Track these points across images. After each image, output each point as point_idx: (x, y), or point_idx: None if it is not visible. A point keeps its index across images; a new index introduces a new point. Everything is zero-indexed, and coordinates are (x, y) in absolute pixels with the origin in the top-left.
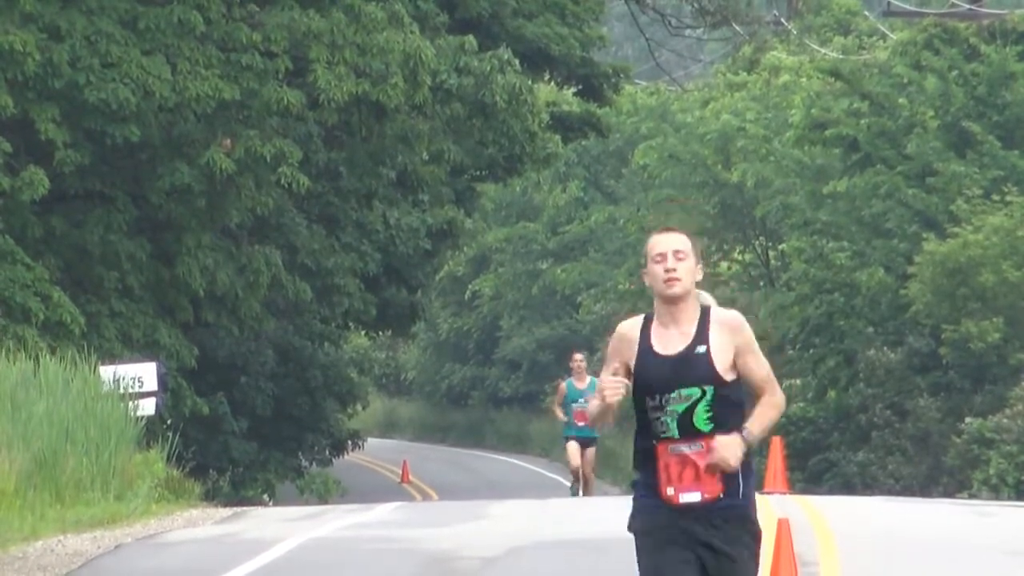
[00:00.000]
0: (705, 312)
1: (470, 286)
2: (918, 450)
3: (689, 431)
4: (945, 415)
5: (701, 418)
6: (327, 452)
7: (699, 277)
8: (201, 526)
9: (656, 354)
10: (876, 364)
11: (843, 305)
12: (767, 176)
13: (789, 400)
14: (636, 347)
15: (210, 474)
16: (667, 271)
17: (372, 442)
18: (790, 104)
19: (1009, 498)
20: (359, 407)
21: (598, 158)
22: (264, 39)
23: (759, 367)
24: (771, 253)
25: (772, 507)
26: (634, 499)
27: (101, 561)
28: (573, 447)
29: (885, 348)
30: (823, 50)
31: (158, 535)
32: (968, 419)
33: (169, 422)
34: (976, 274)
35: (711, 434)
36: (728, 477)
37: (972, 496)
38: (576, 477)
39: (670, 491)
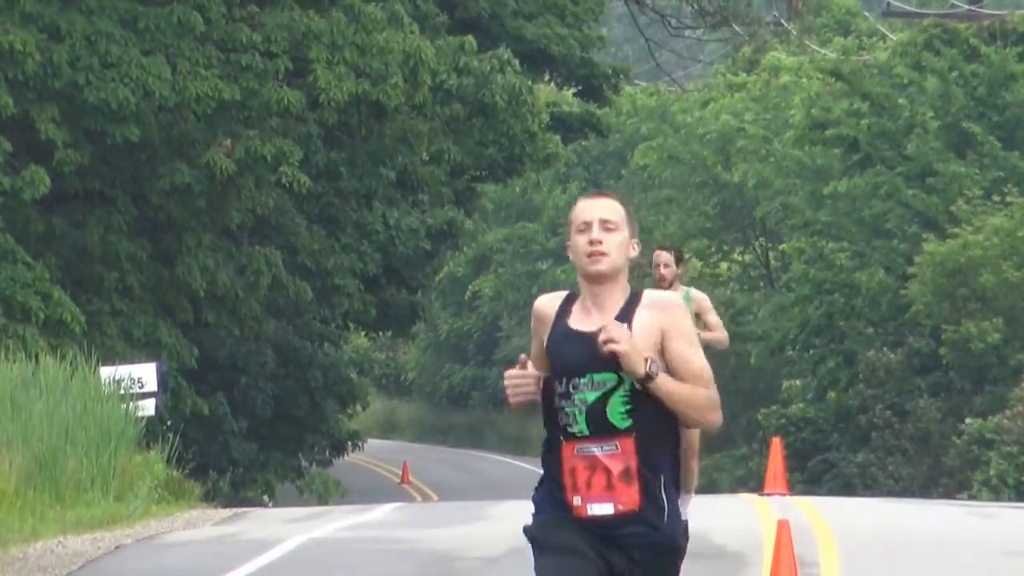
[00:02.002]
0: (636, 294)
1: (470, 287)
2: (918, 451)
3: (601, 427)
4: (945, 416)
5: (616, 411)
6: (327, 453)
7: (634, 253)
8: (201, 527)
9: (569, 328)
10: (876, 365)
11: (843, 306)
12: (767, 177)
13: (789, 401)
14: (551, 322)
15: (210, 475)
16: (591, 243)
17: (372, 443)
18: (790, 105)
19: (1009, 499)
20: (359, 408)
21: (598, 159)
22: (264, 39)
23: (693, 357)
24: (771, 254)
25: (772, 508)
26: (534, 500)
27: (101, 562)
28: None
29: (885, 349)
30: (823, 51)
31: (158, 536)
32: (968, 420)
33: (169, 423)
34: (976, 275)
35: (629, 433)
36: (649, 485)
37: (972, 497)
38: None
39: (576, 501)
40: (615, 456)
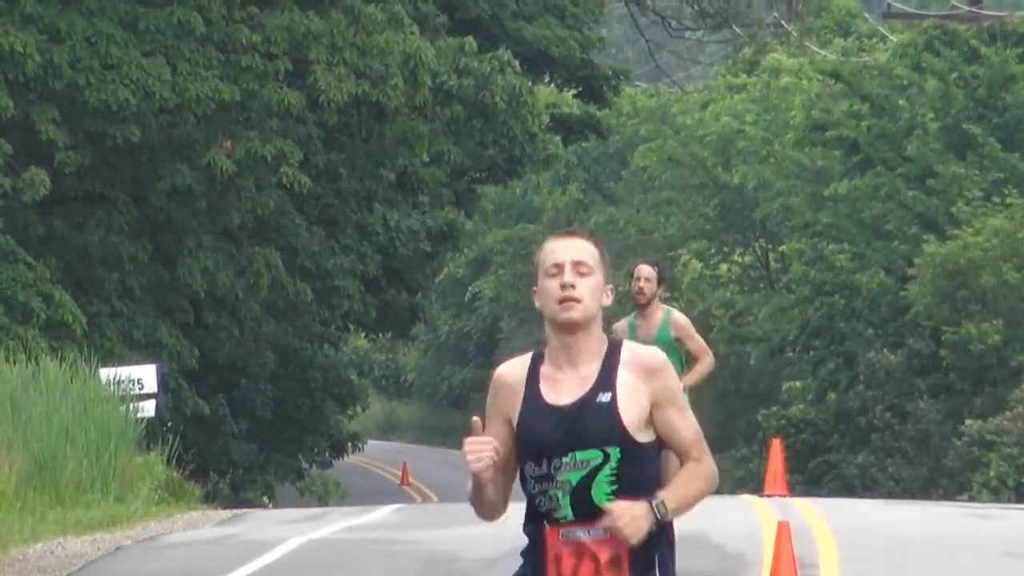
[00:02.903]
0: (614, 348)
1: (470, 288)
2: (918, 452)
3: (587, 510)
4: (945, 417)
5: (603, 492)
6: (327, 454)
7: (607, 302)
8: (201, 528)
9: (544, 404)
10: (876, 366)
11: (843, 307)
12: (767, 178)
13: (789, 402)
14: (520, 396)
15: (210, 476)
16: (563, 287)
17: (372, 444)
18: (790, 106)
19: (1009, 500)
20: (359, 409)
21: (598, 160)
22: (264, 40)
23: (685, 426)
24: (771, 255)
25: (772, 509)
26: None
27: (101, 563)
28: None
29: (885, 350)
30: (823, 52)
31: (158, 537)
32: (968, 421)
33: (169, 424)
34: (976, 276)
35: None
36: (641, 574)
37: (972, 498)
38: None
39: None
40: (603, 542)
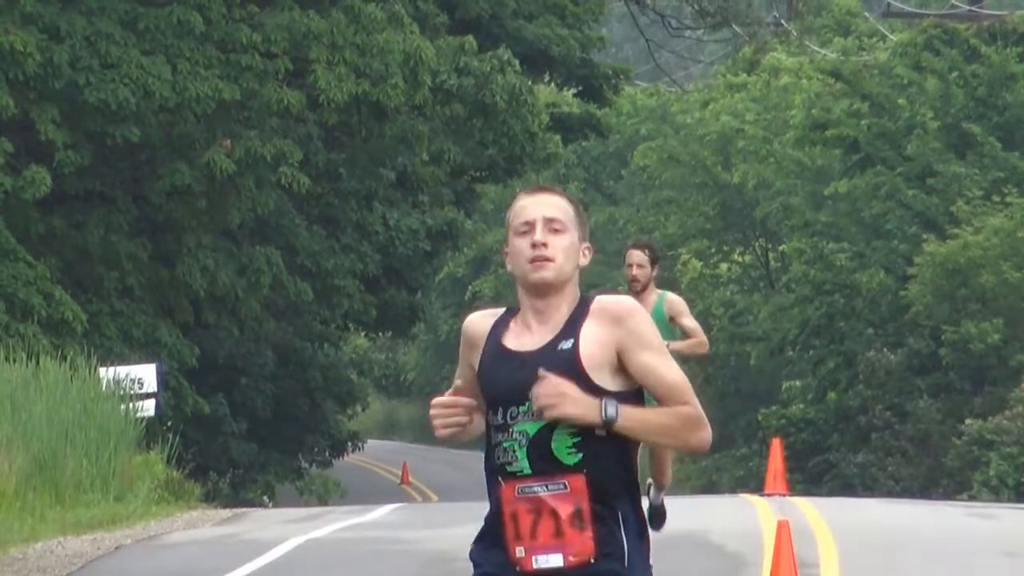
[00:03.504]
0: (584, 302)
1: (470, 287)
2: (918, 451)
3: (546, 464)
4: (945, 416)
5: (563, 445)
6: (327, 453)
7: (583, 263)
8: (201, 528)
9: (504, 350)
10: (876, 365)
11: (843, 306)
12: (767, 177)
13: (789, 401)
14: (483, 343)
15: (210, 475)
16: (534, 246)
17: (372, 443)
18: (790, 105)
19: (1009, 500)
20: (359, 408)
21: (598, 159)
22: (264, 40)
23: (666, 368)
24: (771, 254)
25: (772, 508)
26: (472, 557)
27: (101, 562)
28: None
29: (885, 349)
30: (823, 51)
31: (158, 536)
32: (968, 420)
33: (169, 424)
34: (976, 275)
35: (579, 470)
36: (606, 530)
37: (972, 498)
38: None
39: (520, 552)
40: (563, 497)
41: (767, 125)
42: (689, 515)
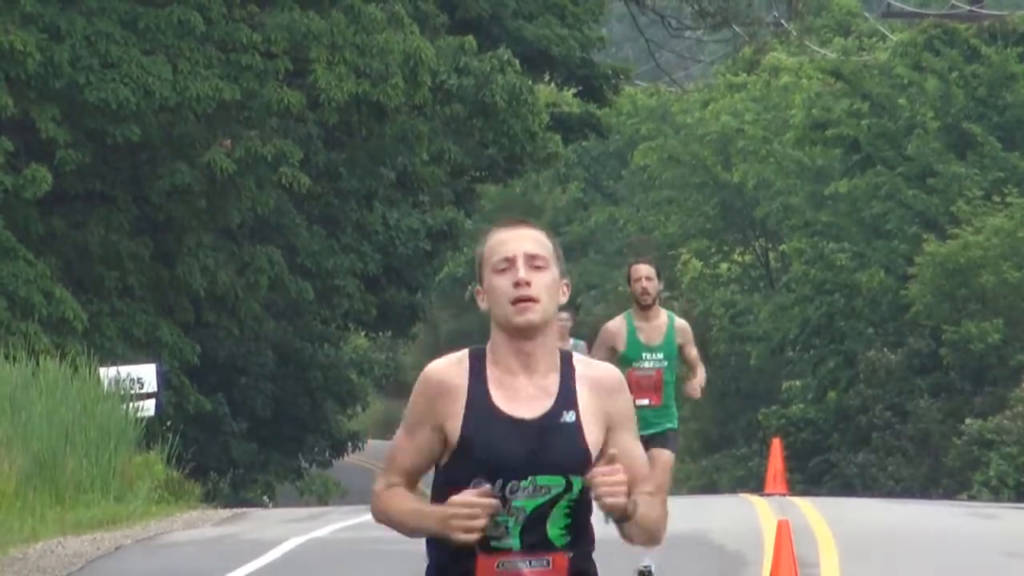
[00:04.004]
0: (566, 359)
1: (470, 287)
2: (918, 451)
3: (537, 543)
4: (945, 416)
5: (557, 524)
6: (327, 453)
7: (563, 301)
8: (201, 527)
9: (500, 414)
10: (876, 365)
11: (843, 306)
12: (767, 177)
13: (789, 401)
14: (463, 401)
15: (210, 475)
16: (517, 285)
17: (372, 443)
18: (790, 105)
19: (1009, 499)
20: (359, 408)
21: (598, 159)
22: (264, 39)
23: (640, 454)
24: (771, 254)
25: (772, 508)
26: None
27: (101, 562)
28: None
29: (885, 349)
30: (823, 51)
31: (158, 536)
32: (968, 420)
33: (169, 423)
34: (976, 275)
35: (566, 550)
36: None
37: (972, 497)
38: None
39: None
40: (545, 574)
41: (767, 125)
42: (689, 515)
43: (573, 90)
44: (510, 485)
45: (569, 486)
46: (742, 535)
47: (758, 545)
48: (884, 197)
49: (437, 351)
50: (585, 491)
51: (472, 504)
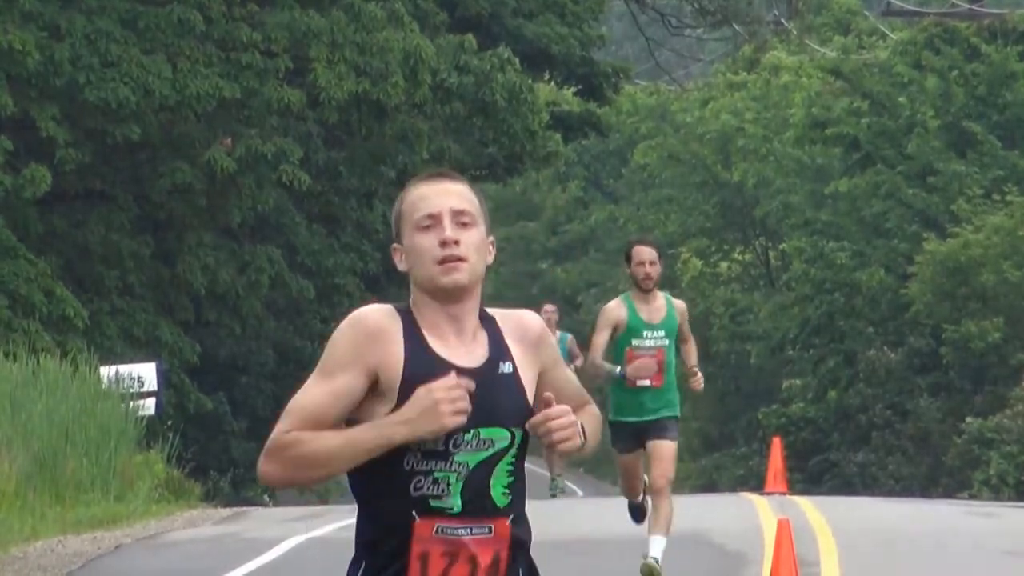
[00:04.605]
0: (487, 316)
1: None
2: (918, 450)
3: (477, 504)
4: (945, 415)
5: (500, 483)
6: None
7: (490, 260)
8: (201, 526)
9: (441, 360)
10: (876, 364)
11: (843, 305)
12: (767, 176)
13: (789, 400)
14: (401, 345)
15: (210, 474)
16: (444, 244)
17: None
18: (790, 104)
19: (1009, 498)
20: None
21: (598, 157)
22: (264, 38)
23: (573, 376)
24: (771, 253)
25: (772, 507)
26: None
27: (101, 561)
28: None
29: (885, 348)
30: (823, 50)
31: (158, 535)
32: (968, 419)
33: (170, 423)
34: (976, 274)
35: (506, 513)
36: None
37: (972, 496)
38: (550, 462)
39: None
40: (486, 542)
41: (767, 124)
42: (689, 514)
43: (573, 89)
44: (455, 437)
45: (513, 440)
46: (742, 534)
47: (758, 544)
48: (884, 196)
49: None
50: (523, 446)
51: (452, 384)
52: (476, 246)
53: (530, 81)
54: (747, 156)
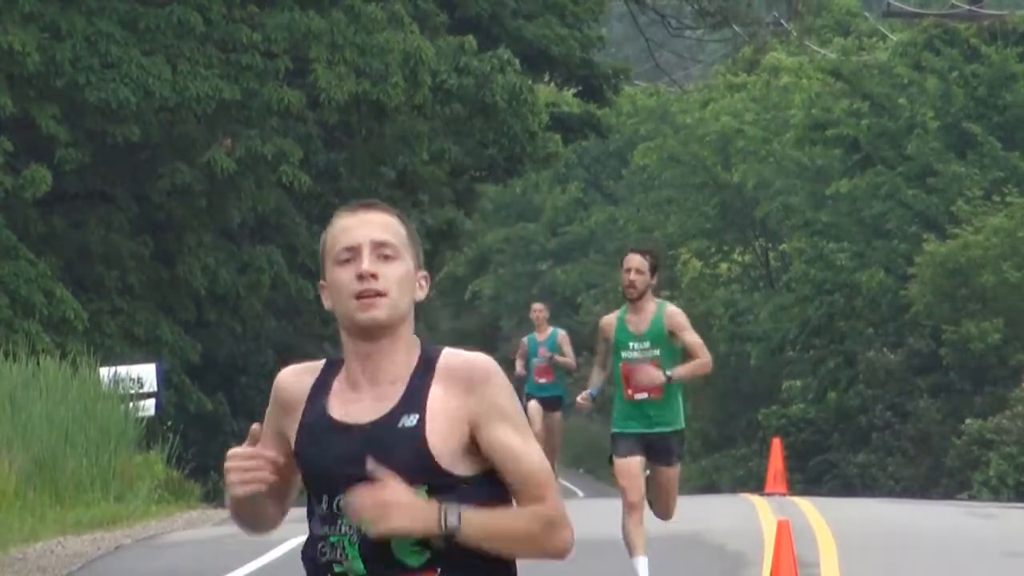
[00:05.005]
0: (429, 357)
1: (470, 287)
2: (918, 451)
3: (384, 567)
4: (945, 416)
5: (407, 542)
6: None
7: (420, 296)
8: (201, 527)
9: (330, 421)
10: (876, 365)
11: (843, 306)
12: (767, 177)
13: (789, 401)
14: (301, 410)
15: (210, 475)
16: (361, 277)
17: None
18: (790, 105)
19: (1009, 499)
20: None
21: (598, 159)
22: (264, 39)
23: (525, 451)
24: (771, 254)
25: (772, 508)
26: None
27: (101, 562)
28: (534, 407)
29: (885, 349)
30: (823, 51)
31: (158, 536)
32: (968, 420)
33: (169, 423)
34: (976, 275)
35: (430, 569)
36: None
37: (972, 497)
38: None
39: None
40: None
41: (767, 125)
42: (689, 515)
43: (573, 90)
44: (338, 500)
45: None
46: (742, 535)
47: (758, 545)
48: (884, 197)
49: None
50: (445, 493)
51: (241, 455)
52: (398, 280)
53: (530, 82)
54: (747, 157)
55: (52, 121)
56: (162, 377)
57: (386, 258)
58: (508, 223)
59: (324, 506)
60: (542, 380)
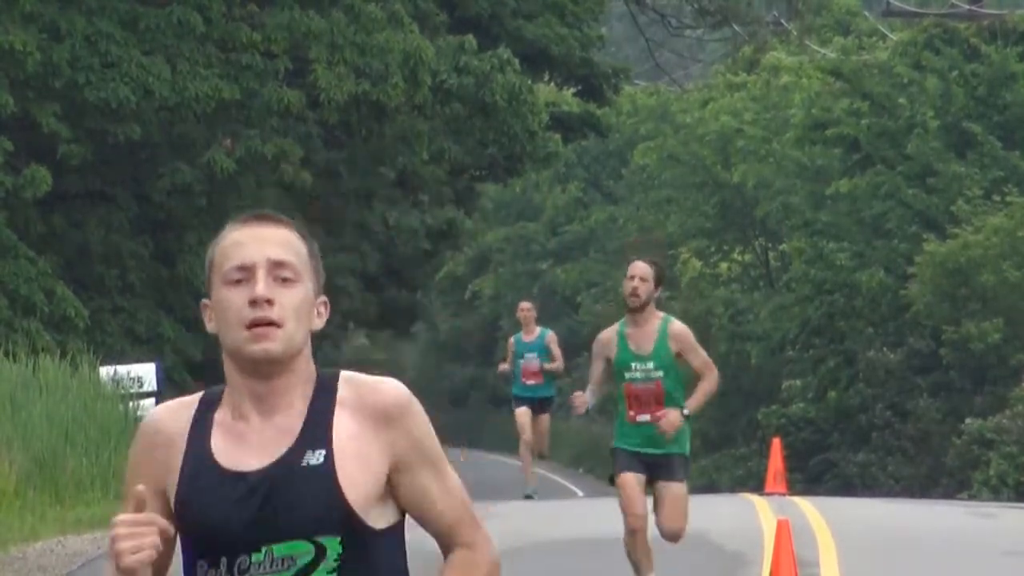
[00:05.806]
0: (326, 385)
1: (470, 286)
2: (918, 451)
3: None
4: (945, 416)
5: None
6: None
7: (318, 325)
8: None
9: (219, 469)
10: (876, 365)
11: (843, 306)
12: (767, 177)
13: (789, 400)
14: (181, 456)
15: None
16: (253, 303)
17: None
18: (790, 104)
19: (1009, 499)
20: None
21: (598, 158)
22: (264, 39)
23: (446, 496)
24: (771, 254)
25: (772, 508)
26: None
27: (101, 562)
28: (523, 414)
29: (885, 349)
30: (823, 50)
31: None
32: (968, 420)
33: None
34: (976, 275)
35: None
36: None
37: (972, 497)
38: (527, 458)
39: None
40: None
41: (767, 124)
42: (689, 515)
43: (573, 89)
44: (239, 561)
45: (321, 553)
46: (742, 534)
47: (758, 545)
48: (884, 196)
49: (437, 350)
50: (354, 557)
51: (131, 521)
52: (296, 308)
53: (530, 82)
54: (747, 157)
55: (53, 119)
56: (162, 376)
57: (284, 281)
58: (508, 222)
59: (220, 570)
60: (531, 382)
